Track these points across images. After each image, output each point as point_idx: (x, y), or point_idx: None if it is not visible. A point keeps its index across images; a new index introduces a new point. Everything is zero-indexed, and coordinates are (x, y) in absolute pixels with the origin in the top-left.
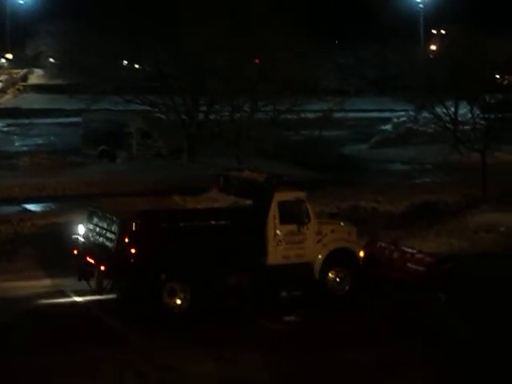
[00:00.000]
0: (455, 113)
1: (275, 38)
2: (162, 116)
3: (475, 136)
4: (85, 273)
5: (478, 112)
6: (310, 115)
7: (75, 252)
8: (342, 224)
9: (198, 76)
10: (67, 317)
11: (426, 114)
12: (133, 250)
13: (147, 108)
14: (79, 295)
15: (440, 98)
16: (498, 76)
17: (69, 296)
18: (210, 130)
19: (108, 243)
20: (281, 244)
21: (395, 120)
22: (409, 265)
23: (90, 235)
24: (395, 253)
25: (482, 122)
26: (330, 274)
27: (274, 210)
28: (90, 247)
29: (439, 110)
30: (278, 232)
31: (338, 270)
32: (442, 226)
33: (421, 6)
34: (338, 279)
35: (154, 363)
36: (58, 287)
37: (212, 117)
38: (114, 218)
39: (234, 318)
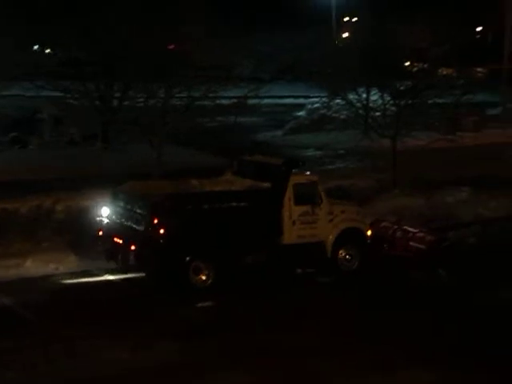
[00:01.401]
0: (367, 99)
1: (188, 23)
2: (75, 102)
3: (386, 122)
4: (112, 253)
5: (388, 98)
6: (225, 102)
7: (100, 233)
8: (350, 205)
9: (111, 62)
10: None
11: (338, 101)
12: (162, 231)
13: (60, 94)
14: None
15: (352, 84)
16: (408, 63)
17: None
18: (124, 116)
19: (137, 224)
20: (295, 224)
21: (309, 106)
22: (411, 243)
23: (116, 216)
24: (398, 232)
25: (393, 108)
26: (341, 252)
27: (289, 192)
28: (117, 228)
29: (351, 96)
30: (293, 213)
31: (347, 248)
32: None
33: None
34: (347, 257)
35: (66, 351)
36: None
37: (126, 103)
38: (144, 200)
39: (152, 308)
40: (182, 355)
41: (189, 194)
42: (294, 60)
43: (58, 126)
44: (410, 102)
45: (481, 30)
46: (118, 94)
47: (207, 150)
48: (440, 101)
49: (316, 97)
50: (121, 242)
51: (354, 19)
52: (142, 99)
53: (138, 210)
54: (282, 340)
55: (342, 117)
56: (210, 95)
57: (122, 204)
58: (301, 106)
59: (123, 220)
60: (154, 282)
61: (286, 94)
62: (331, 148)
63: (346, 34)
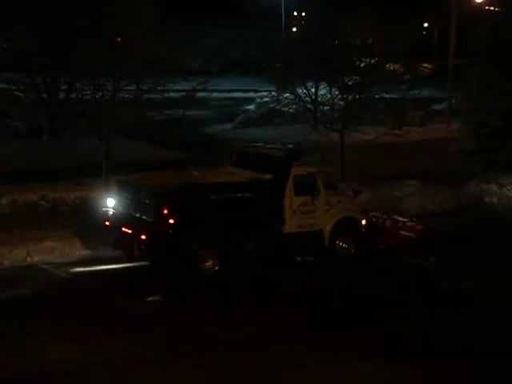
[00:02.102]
0: (315, 94)
1: (137, 16)
2: (21, 94)
3: (334, 116)
4: (119, 242)
5: (336, 93)
6: (174, 95)
7: (107, 223)
8: (346, 195)
9: (58, 54)
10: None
11: (287, 95)
12: (171, 221)
13: (4, 86)
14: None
15: (301, 78)
16: (356, 58)
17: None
18: (71, 109)
19: (146, 214)
20: (295, 214)
21: (258, 100)
22: (401, 232)
23: (124, 207)
24: (388, 221)
25: (341, 102)
26: (338, 241)
27: (290, 183)
28: (125, 218)
29: (300, 90)
30: (293, 203)
31: (344, 236)
32: None
33: None
34: (344, 245)
35: (13, 349)
36: None
37: (73, 96)
38: (154, 192)
39: (100, 303)
40: (130, 351)
41: (198, 185)
42: (243, 54)
43: (3, 119)
44: (357, 96)
45: (427, 27)
46: (64, 87)
47: (155, 143)
48: (387, 96)
49: (265, 91)
50: (130, 231)
51: (303, 14)
52: (89, 92)
53: (149, 201)
54: (235, 332)
55: (291, 111)
56: (159, 88)
57: (129, 195)
58: (250, 100)
59: (132, 211)
60: (161, 270)
61: (236, 88)
62: (280, 142)
63: (295, 29)
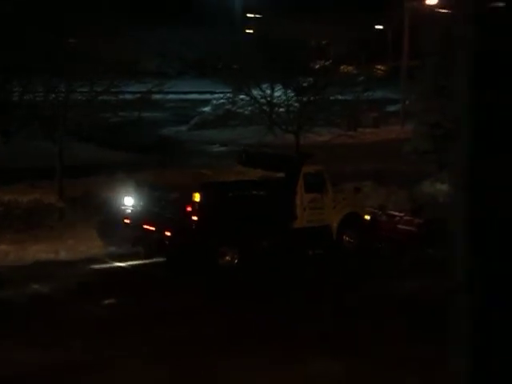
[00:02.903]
0: (271, 95)
1: (91, 17)
2: None
3: (289, 118)
4: (140, 240)
5: (292, 95)
6: (129, 96)
7: (127, 221)
8: (350, 192)
9: (10, 54)
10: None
11: (243, 96)
12: (194, 218)
13: None
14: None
15: (256, 80)
16: (311, 60)
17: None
18: (24, 111)
19: (169, 212)
20: (306, 210)
21: (214, 102)
22: (400, 226)
23: (145, 206)
24: (383, 216)
25: (296, 104)
26: (344, 235)
27: (301, 181)
28: (146, 216)
29: (255, 92)
30: (304, 200)
31: (350, 231)
32: None
33: None
34: (350, 239)
35: None
36: None
37: (26, 97)
38: (178, 190)
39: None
40: (84, 353)
41: (218, 183)
42: (200, 56)
43: None
44: (312, 98)
45: (381, 29)
46: (17, 88)
47: (111, 145)
48: (341, 97)
49: (221, 92)
50: (153, 228)
51: (259, 16)
52: (41, 93)
53: (172, 199)
54: (191, 333)
55: (247, 112)
56: (113, 90)
57: (150, 194)
58: (206, 102)
59: (154, 209)
60: (180, 265)
61: (191, 90)
62: (236, 143)
63: (251, 31)
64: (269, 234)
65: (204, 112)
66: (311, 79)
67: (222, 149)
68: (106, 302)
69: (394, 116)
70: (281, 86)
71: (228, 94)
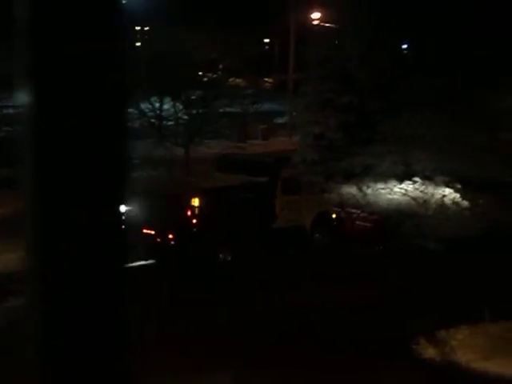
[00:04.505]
0: (160, 108)
1: None
2: None
3: (179, 131)
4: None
5: (180, 107)
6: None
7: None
8: (320, 193)
9: None
10: None
11: (131, 110)
12: (194, 221)
13: None
14: None
15: (145, 93)
16: (200, 73)
17: None
18: None
19: (168, 217)
20: (284, 210)
21: None
22: (357, 222)
23: (141, 211)
24: (342, 214)
25: (185, 117)
26: (316, 233)
27: (279, 185)
28: (144, 221)
29: (144, 105)
30: (282, 202)
31: (321, 228)
32: None
33: (123, 1)
34: (321, 236)
35: None
36: None
37: None
38: (178, 196)
39: None
40: None
41: (212, 189)
42: None
43: None
44: (201, 110)
45: (269, 42)
46: None
47: None
48: (230, 110)
49: None
50: (153, 232)
51: (146, 28)
52: None
53: (169, 205)
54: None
55: (136, 126)
56: None
57: (146, 200)
58: None
59: (152, 214)
60: (181, 265)
61: None
62: None
63: (138, 44)
64: (255, 234)
65: None
66: (200, 92)
67: None
68: None
69: (282, 128)
70: (169, 99)
71: None
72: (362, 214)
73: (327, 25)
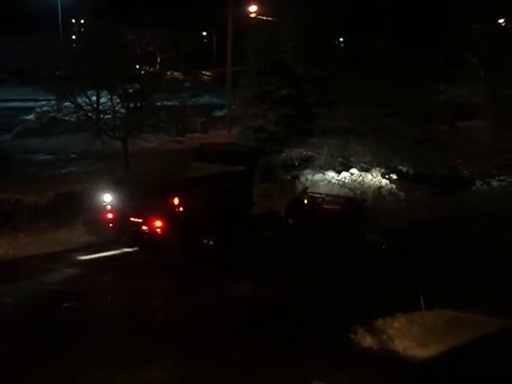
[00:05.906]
0: (97, 102)
1: None
2: None
3: (116, 124)
4: (122, 231)
5: (118, 101)
6: None
7: (110, 216)
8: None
9: None
10: None
11: (68, 104)
12: (181, 209)
13: None
14: None
15: (81, 87)
16: (137, 66)
17: None
18: None
19: (156, 204)
20: (260, 198)
21: (38, 110)
22: (324, 206)
23: (127, 201)
24: (306, 199)
25: (123, 110)
26: (289, 218)
27: (257, 173)
28: (131, 210)
29: (80, 99)
30: (259, 189)
31: (294, 214)
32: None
33: None
34: (293, 221)
35: None
36: None
37: None
38: (163, 185)
39: None
40: None
41: (196, 178)
42: (21, 63)
43: None
44: (138, 104)
45: (206, 35)
46: None
47: None
48: (168, 103)
49: (45, 100)
50: (140, 220)
51: (82, 21)
52: None
53: (158, 194)
54: None
55: (73, 120)
56: None
57: (132, 190)
58: (30, 110)
59: (137, 203)
60: (170, 250)
61: (13, 98)
62: (63, 152)
63: (74, 37)
64: (235, 220)
65: (28, 120)
66: (137, 85)
67: (48, 157)
68: None
69: (222, 121)
70: (107, 93)
71: (52, 102)
72: (327, 198)
73: (264, 18)
